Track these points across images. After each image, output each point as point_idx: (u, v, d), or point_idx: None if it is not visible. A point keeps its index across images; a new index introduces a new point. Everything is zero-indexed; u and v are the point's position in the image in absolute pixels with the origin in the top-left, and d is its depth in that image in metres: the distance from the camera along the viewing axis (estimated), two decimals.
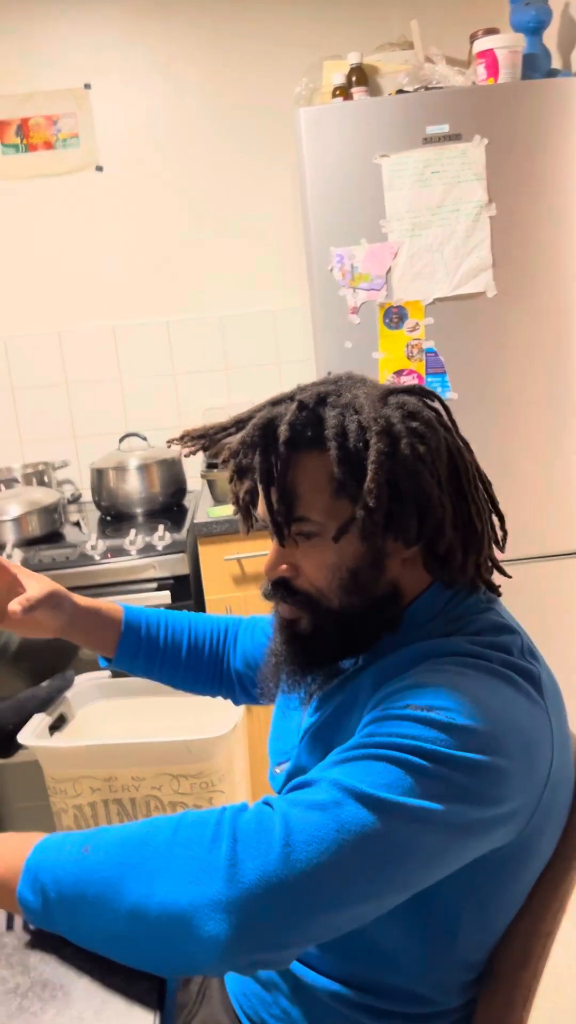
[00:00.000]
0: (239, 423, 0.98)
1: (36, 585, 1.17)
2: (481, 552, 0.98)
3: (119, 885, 0.76)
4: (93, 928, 0.77)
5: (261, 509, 0.96)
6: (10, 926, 0.83)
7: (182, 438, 1.02)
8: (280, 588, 0.97)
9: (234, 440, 0.95)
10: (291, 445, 0.90)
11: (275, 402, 0.95)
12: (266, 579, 0.98)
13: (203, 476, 2.63)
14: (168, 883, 0.75)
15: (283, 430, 0.90)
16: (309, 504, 0.91)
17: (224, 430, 1.00)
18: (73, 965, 0.77)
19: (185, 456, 1.04)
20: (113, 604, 1.27)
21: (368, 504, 0.87)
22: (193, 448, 1.01)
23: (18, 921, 0.84)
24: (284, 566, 0.96)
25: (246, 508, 0.99)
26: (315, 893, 0.74)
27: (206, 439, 1.01)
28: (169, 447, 1.06)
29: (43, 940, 0.80)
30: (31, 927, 0.83)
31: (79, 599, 1.23)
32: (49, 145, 2.73)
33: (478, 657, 0.88)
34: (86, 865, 0.78)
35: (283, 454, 0.90)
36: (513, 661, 0.89)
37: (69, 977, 0.76)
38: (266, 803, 0.81)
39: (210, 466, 2.47)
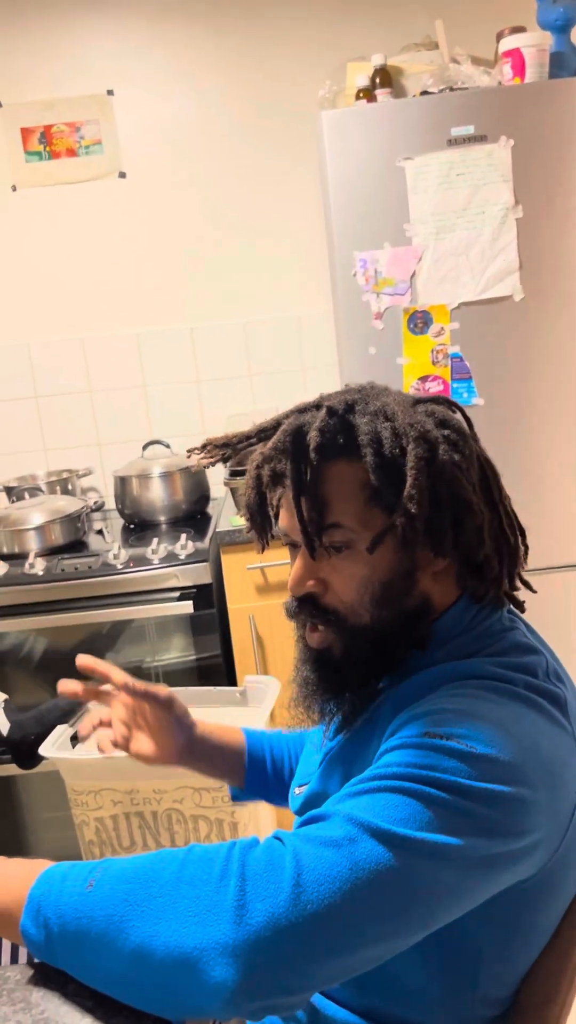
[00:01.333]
0: (262, 432, 0.96)
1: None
2: (516, 562, 0.95)
3: (122, 924, 0.73)
4: (96, 966, 0.74)
5: (285, 521, 0.94)
6: (15, 959, 0.81)
7: (204, 447, 1.00)
8: (307, 606, 0.93)
9: (266, 447, 0.92)
10: (322, 453, 0.88)
11: (301, 410, 0.93)
12: (291, 597, 0.95)
13: (226, 484, 2.61)
14: (173, 923, 0.72)
15: (313, 437, 0.88)
16: (341, 512, 0.89)
17: (247, 439, 0.98)
18: (76, 1004, 0.74)
19: (204, 467, 1.02)
20: (235, 730, 1.22)
21: (409, 510, 0.85)
22: (214, 459, 0.99)
23: (23, 953, 0.82)
24: (312, 581, 0.93)
25: (260, 525, 0.97)
26: (327, 936, 0.71)
27: (229, 448, 0.99)
28: (189, 457, 1.03)
29: (46, 975, 0.78)
30: (35, 960, 0.81)
31: (199, 721, 1.17)
32: (72, 152, 2.72)
33: (501, 680, 0.85)
34: (90, 900, 0.75)
35: (314, 461, 0.88)
36: (538, 684, 0.86)
37: (72, 1016, 0.73)
38: (277, 838, 0.77)
39: (234, 473, 2.45)
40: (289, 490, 0.90)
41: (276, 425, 0.94)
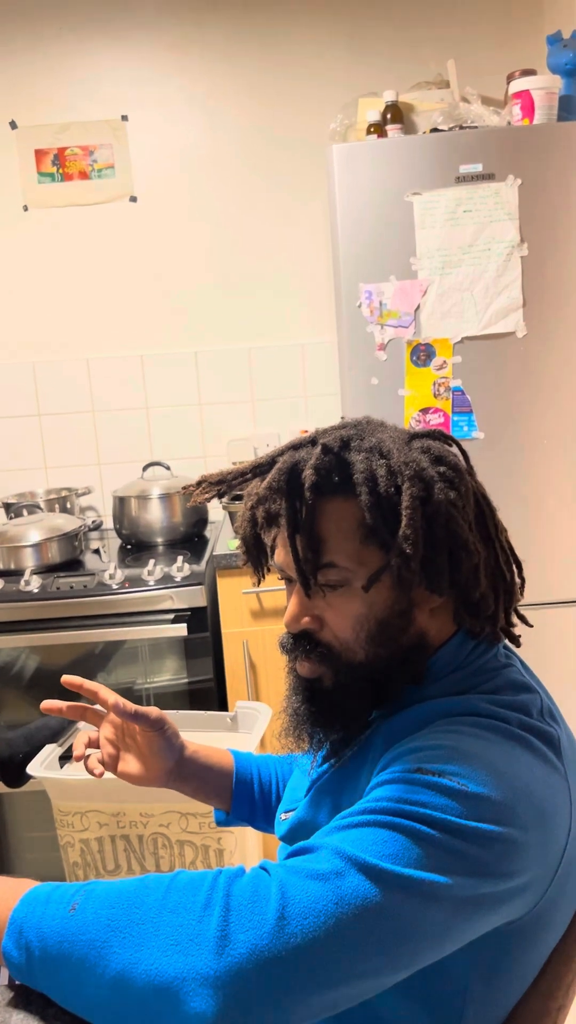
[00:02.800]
0: (257, 469, 0.95)
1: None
2: (512, 599, 0.95)
3: (104, 949, 0.73)
4: (76, 992, 0.74)
5: (281, 557, 0.93)
6: None
7: (199, 484, 0.99)
8: (302, 642, 0.93)
9: (260, 486, 0.92)
10: (317, 490, 0.88)
11: (295, 446, 0.93)
12: (286, 632, 0.94)
13: (225, 507, 2.62)
14: (155, 951, 0.71)
15: (308, 475, 0.87)
16: (336, 551, 0.88)
17: (242, 475, 0.97)
18: None
19: (199, 503, 1.01)
20: (224, 752, 1.21)
21: (405, 551, 0.84)
22: (209, 495, 0.99)
23: (3, 973, 0.81)
24: (307, 618, 0.92)
25: (256, 557, 0.97)
26: (309, 970, 0.70)
27: (224, 484, 0.98)
28: (185, 492, 1.03)
29: (27, 998, 0.77)
30: (15, 982, 0.80)
31: (188, 742, 1.16)
32: (85, 175, 2.75)
33: (495, 718, 0.85)
34: (72, 925, 0.75)
35: (309, 499, 0.87)
36: (532, 723, 0.86)
37: None
38: (264, 868, 0.77)
39: (233, 497, 2.46)
40: (284, 528, 0.90)
41: (271, 462, 0.94)
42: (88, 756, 1.10)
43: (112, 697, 1.07)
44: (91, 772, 1.08)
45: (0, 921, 0.78)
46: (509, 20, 2.72)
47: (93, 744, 1.12)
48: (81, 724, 1.89)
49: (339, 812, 0.89)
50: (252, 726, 1.82)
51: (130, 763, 1.11)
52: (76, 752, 1.10)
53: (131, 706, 1.06)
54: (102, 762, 1.10)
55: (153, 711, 1.08)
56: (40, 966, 0.75)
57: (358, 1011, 0.86)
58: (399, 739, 0.87)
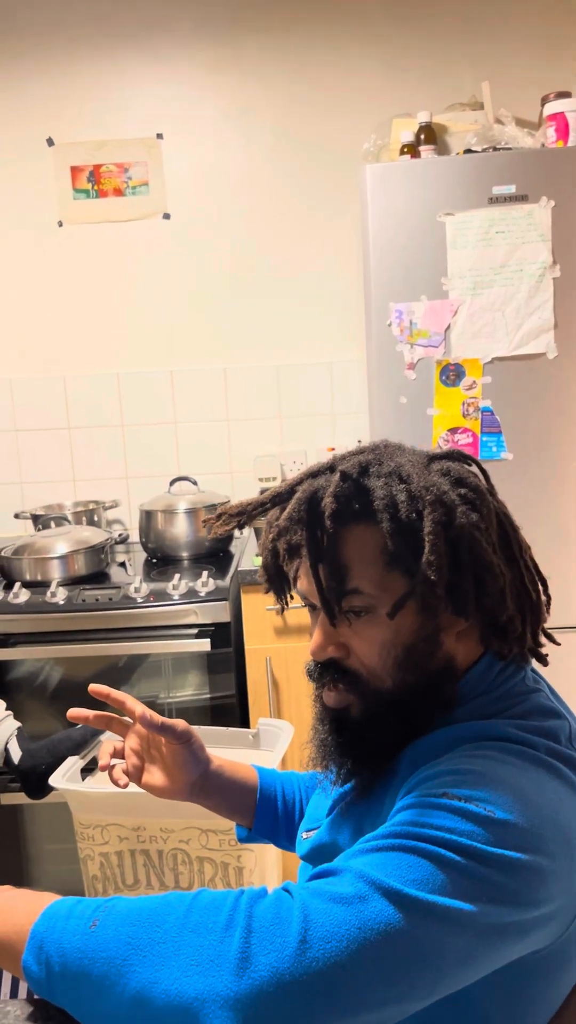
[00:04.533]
0: (277, 498, 0.94)
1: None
2: (539, 620, 0.94)
3: (124, 967, 0.72)
4: (95, 1009, 0.73)
5: (304, 585, 0.93)
6: (14, 994, 0.80)
7: (219, 517, 0.99)
8: (329, 670, 0.92)
9: (281, 518, 0.91)
10: (338, 519, 0.87)
11: (314, 474, 0.93)
12: (312, 661, 0.94)
13: (240, 529, 2.62)
14: (175, 971, 0.71)
15: (328, 503, 0.87)
16: (360, 578, 0.87)
17: (261, 506, 0.96)
18: None
19: (219, 535, 1.01)
20: (249, 768, 1.20)
21: (428, 577, 0.84)
22: (229, 527, 0.98)
23: (23, 987, 0.81)
24: (333, 647, 0.91)
25: (278, 585, 0.96)
26: (330, 995, 0.69)
27: (244, 516, 0.98)
28: (204, 525, 1.03)
29: (47, 1013, 0.77)
30: (36, 996, 0.80)
31: (213, 756, 1.16)
32: (119, 192, 2.78)
33: (523, 744, 0.84)
34: (92, 942, 0.74)
35: (330, 528, 0.87)
36: (559, 750, 0.85)
37: None
38: (286, 890, 0.76)
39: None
40: (307, 558, 0.89)
41: (290, 491, 0.93)
42: (113, 766, 1.09)
43: (139, 708, 1.07)
44: (115, 782, 1.08)
45: (21, 935, 0.78)
46: (544, 42, 2.73)
47: (118, 754, 1.12)
48: (106, 734, 1.90)
49: (361, 834, 0.88)
50: (274, 744, 1.81)
51: (155, 775, 1.10)
52: (101, 762, 1.10)
53: (158, 718, 1.06)
54: (127, 772, 1.10)
55: (180, 723, 1.08)
56: (60, 981, 0.74)
57: None
58: (424, 762, 0.86)
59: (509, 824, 0.75)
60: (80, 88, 2.76)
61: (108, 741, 1.13)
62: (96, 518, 2.78)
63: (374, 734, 0.91)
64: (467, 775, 0.79)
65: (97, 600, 2.29)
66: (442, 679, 0.90)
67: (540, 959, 0.81)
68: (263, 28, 2.73)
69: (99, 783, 1.83)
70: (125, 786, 1.08)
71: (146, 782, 1.10)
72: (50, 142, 2.78)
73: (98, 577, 2.47)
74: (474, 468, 0.95)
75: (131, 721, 1.11)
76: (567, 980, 0.87)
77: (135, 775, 1.10)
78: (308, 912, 0.72)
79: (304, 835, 1.04)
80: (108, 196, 2.79)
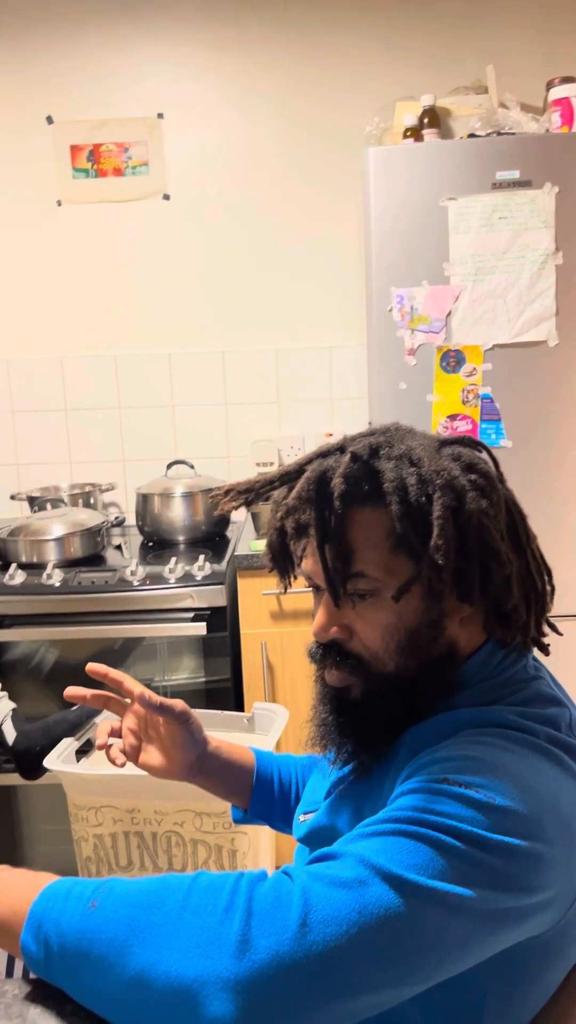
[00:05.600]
0: (285, 477, 0.94)
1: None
2: (544, 608, 0.94)
3: (123, 949, 0.72)
4: (94, 989, 0.73)
5: (309, 566, 0.92)
6: (10, 972, 0.79)
7: (227, 492, 0.99)
8: (331, 652, 0.92)
9: (290, 497, 0.91)
10: (346, 499, 0.87)
11: (324, 454, 0.92)
12: (314, 641, 0.93)
13: (248, 508, 2.61)
14: (175, 952, 0.71)
15: (338, 483, 0.86)
16: (366, 560, 0.87)
17: (270, 484, 0.96)
18: None
19: (227, 512, 1.01)
20: (246, 749, 1.20)
21: (436, 562, 0.83)
22: (237, 503, 0.98)
23: (19, 966, 0.81)
24: (336, 628, 0.91)
25: (283, 565, 0.96)
26: (329, 978, 0.69)
27: (252, 493, 0.97)
28: (211, 500, 1.03)
29: (44, 992, 0.77)
30: (32, 976, 0.80)
31: (211, 737, 1.15)
32: (119, 172, 2.76)
33: (523, 731, 0.84)
34: (91, 922, 0.74)
35: (338, 509, 0.86)
36: (560, 737, 0.85)
37: None
38: (286, 873, 0.76)
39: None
40: (313, 538, 0.89)
41: (299, 470, 0.93)
42: (110, 746, 1.09)
43: (137, 688, 1.07)
44: (112, 761, 1.08)
45: (19, 915, 0.78)
46: (549, 27, 2.70)
47: (115, 734, 1.12)
48: (103, 715, 1.90)
49: (360, 818, 0.89)
50: (268, 728, 1.81)
51: (152, 755, 1.10)
52: (98, 741, 1.09)
53: (156, 698, 1.06)
54: (123, 752, 1.10)
55: (178, 704, 1.08)
56: (58, 962, 0.74)
57: (374, 1021, 0.85)
58: (425, 747, 0.86)
59: (509, 810, 0.75)
60: (81, 66, 2.73)
61: (106, 721, 1.13)
62: (92, 501, 2.77)
63: (374, 716, 0.91)
64: (468, 761, 0.79)
65: (93, 583, 2.28)
66: (444, 664, 0.90)
67: (538, 945, 0.81)
68: (266, 7, 2.70)
69: (94, 765, 1.83)
70: (122, 765, 1.08)
71: (143, 762, 1.10)
72: (50, 120, 2.75)
73: (94, 560, 2.46)
74: (484, 455, 0.95)
75: (129, 701, 1.11)
76: (563, 965, 0.87)
77: (132, 755, 1.10)
78: (308, 896, 0.72)
79: (301, 818, 1.05)
80: (108, 176, 2.76)
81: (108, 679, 1.09)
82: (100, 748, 1.09)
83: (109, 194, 2.78)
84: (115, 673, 1.09)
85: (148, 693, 1.06)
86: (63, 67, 2.73)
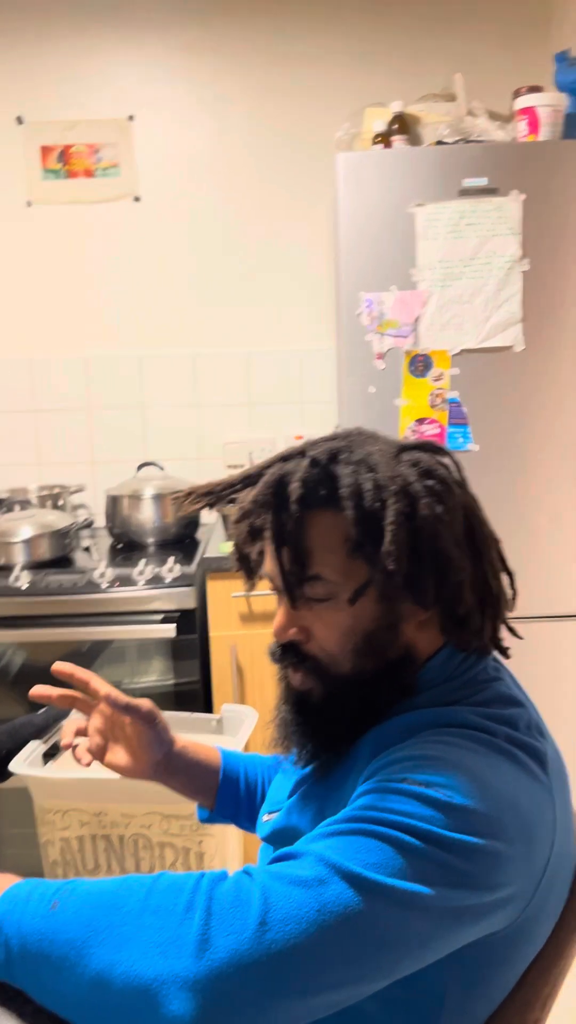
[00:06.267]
0: (247, 479, 0.95)
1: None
2: (499, 614, 0.95)
3: (84, 949, 0.73)
4: (55, 990, 0.73)
5: (270, 567, 0.93)
6: None
7: (188, 495, 0.99)
8: (290, 652, 0.93)
9: (246, 500, 0.92)
10: (304, 504, 0.88)
11: (285, 457, 0.93)
12: (275, 642, 0.94)
13: (219, 510, 2.61)
14: (135, 953, 0.71)
15: (295, 488, 0.87)
16: (323, 564, 0.88)
17: (231, 487, 0.97)
18: None
19: (189, 513, 1.01)
20: (212, 749, 1.20)
21: (387, 567, 0.85)
22: (199, 506, 0.99)
23: None
24: (294, 629, 0.92)
25: (247, 566, 0.97)
26: (289, 976, 0.70)
27: (213, 496, 0.98)
28: (173, 501, 1.03)
29: (5, 994, 0.77)
30: None
31: (177, 736, 1.15)
32: (89, 173, 2.75)
33: (483, 730, 0.85)
34: (53, 923, 0.74)
35: (296, 513, 0.88)
36: (519, 737, 0.86)
37: None
38: (247, 873, 0.77)
39: (228, 500, 2.46)
40: (270, 541, 0.90)
41: (260, 473, 0.94)
42: (76, 745, 1.09)
43: (104, 688, 1.07)
44: (79, 760, 1.07)
45: None
46: (517, 36, 2.74)
47: (82, 733, 1.11)
48: (70, 717, 1.89)
49: (322, 818, 0.89)
50: (237, 729, 1.82)
51: (118, 754, 1.10)
52: (64, 740, 1.09)
53: (123, 697, 1.06)
54: (90, 751, 1.09)
55: (145, 703, 1.08)
56: (19, 963, 0.75)
57: (334, 1019, 0.86)
58: (386, 748, 0.87)
59: (468, 809, 0.76)
60: (52, 67, 2.72)
61: (71, 720, 1.13)
62: (61, 502, 2.76)
63: (334, 717, 0.92)
64: (427, 760, 0.80)
65: (61, 585, 2.27)
66: (401, 667, 0.91)
67: (496, 941, 0.83)
68: (238, 11, 2.71)
69: (61, 768, 1.82)
70: (88, 764, 1.08)
71: (109, 761, 1.10)
72: (20, 121, 2.74)
73: (62, 562, 2.45)
74: (446, 460, 0.96)
75: (95, 701, 1.11)
76: (522, 961, 0.89)
77: (98, 754, 1.10)
78: (268, 894, 0.73)
79: (265, 817, 1.05)
80: (78, 177, 2.76)
81: (75, 679, 1.08)
82: (66, 747, 1.08)
83: (79, 195, 2.77)
84: (81, 672, 1.08)
85: (115, 693, 1.06)
86: (34, 68, 2.72)
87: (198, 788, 1.18)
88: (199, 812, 1.22)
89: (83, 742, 1.10)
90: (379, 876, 0.73)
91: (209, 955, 0.70)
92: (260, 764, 1.23)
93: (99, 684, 1.08)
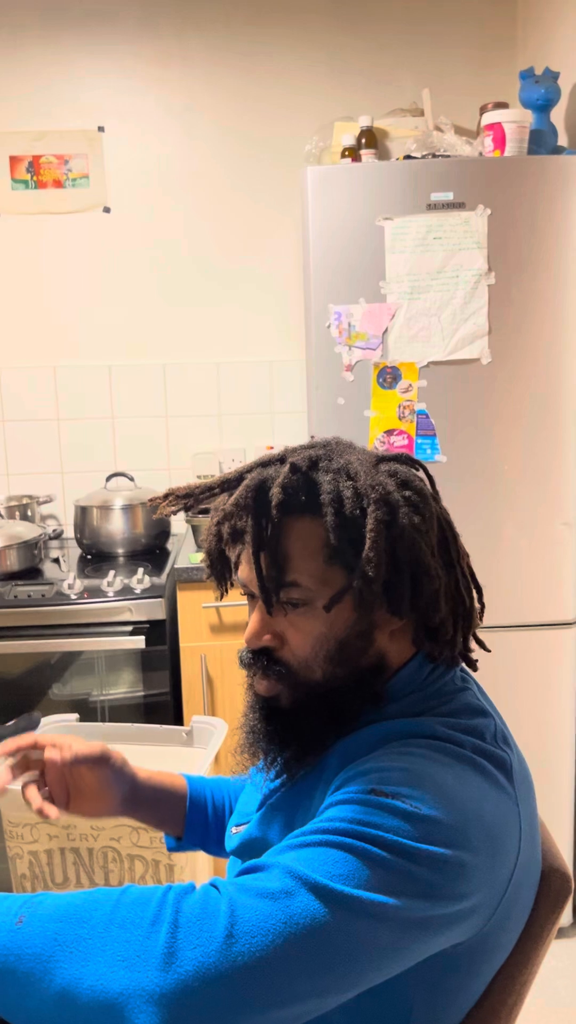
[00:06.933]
0: (225, 484, 0.95)
1: (85, 744, 1.07)
2: (471, 624, 0.96)
3: (49, 964, 0.72)
4: (21, 1006, 0.73)
5: (245, 573, 0.94)
6: None
7: (166, 497, 0.99)
8: (261, 658, 0.93)
9: (227, 503, 0.92)
10: (283, 509, 0.88)
11: (264, 463, 0.94)
12: (245, 648, 0.94)
13: (188, 520, 2.62)
14: (101, 967, 0.71)
15: (276, 493, 0.88)
16: (300, 570, 0.89)
17: (209, 490, 0.97)
18: None
19: (165, 516, 1.01)
20: (176, 776, 1.18)
21: (367, 573, 0.85)
22: (176, 508, 0.99)
23: None
24: (268, 635, 0.93)
25: (220, 572, 0.97)
26: (255, 989, 0.70)
27: (191, 498, 0.98)
28: (150, 504, 1.03)
29: None
30: None
31: (139, 768, 1.13)
32: (59, 184, 2.75)
33: (450, 741, 0.86)
34: (18, 938, 0.74)
35: (276, 517, 0.88)
36: (485, 747, 0.87)
37: None
38: (214, 885, 0.77)
39: (198, 511, 2.45)
40: (249, 545, 0.90)
41: (239, 478, 0.94)
42: (42, 805, 1.03)
43: (51, 752, 1.03)
44: (46, 816, 1.02)
45: None
46: (484, 54, 2.78)
47: (41, 785, 1.07)
48: (40, 729, 1.87)
49: (291, 829, 0.90)
50: (207, 741, 1.82)
51: (83, 799, 1.08)
52: (34, 805, 1.03)
53: (68, 754, 1.03)
54: (51, 801, 1.06)
55: (95, 748, 1.05)
56: None
57: None
58: (354, 759, 0.87)
59: (434, 820, 0.77)
60: (21, 78, 2.72)
61: (28, 784, 1.07)
62: (30, 513, 2.74)
63: (302, 724, 0.92)
64: (395, 772, 0.81)
65: (30, 596, 2.26)
66: (372, 676, 0.92)
67: (462, 951, 0.83)
68: (209, 25, 2.73)
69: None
70: (57, 817, 1.05)
71: (75, 809, 1.08)
72: None
73: (31, 573, 2.44)
74: (421, 473, 0.97)
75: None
76: (487, 971, 0.89)
77: (62, 803, 1.07)
78: (235, 907, 0.73)
79: (233, 830, 1.05)
80: (47, 187, 2.75)
81: (21, 750, 1.05)
82: (37, 811, 1.04)
83: (49, 206, 2.76)
84: (27, 742, 1.05)
85: (58, 756, 1.03)
86: (3, 78, 2.71)
87: (166, 817, 1.16)
88: (167, 841, 1.20)
89: (45, 794, 1.06)
90: (346, 888, 0.73)
91: (175, 969, 0.70)
92: (227, 786, 1.23)
93: (48, 751, 1.04)
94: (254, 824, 0.99)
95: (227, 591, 1.00)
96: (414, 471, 0.96)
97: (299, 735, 0.92)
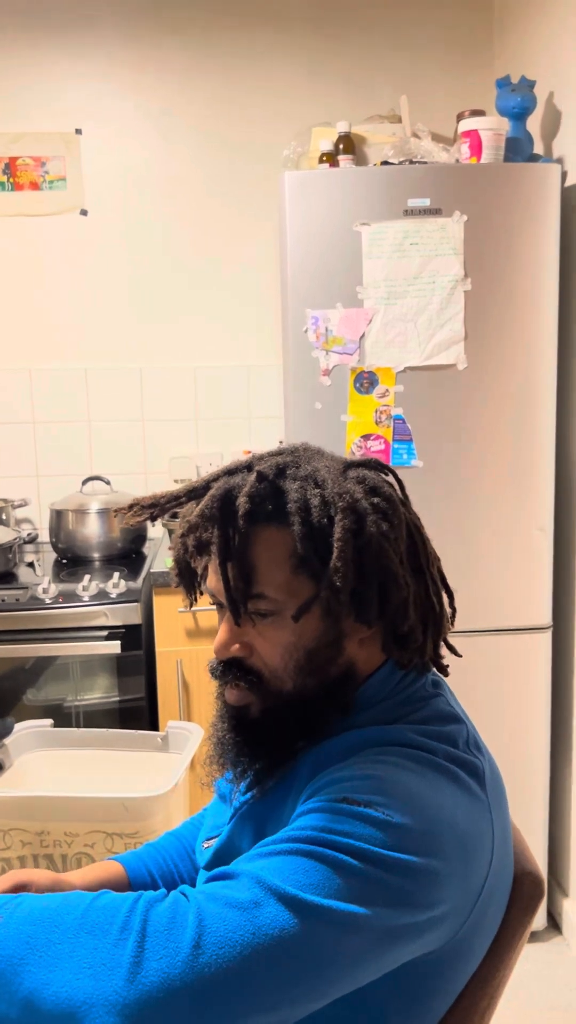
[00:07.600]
0: (192, 492, 0.94)
1: None
2: (441, 631, 0.96)
3: (20, 967, 0.71)
4: None
5: (213, 583, 0.93)
6: None
7: (131, 507, 0.98)
8: (232, 668, 0.92)
9: (191, 513, 0.91)
10: (250, 518, 0.87)
11: (231, 471, 0.93)
12: (215, 659, 0.94)
13: (164, 524, 2.61)
14: (67, 973, 0.70)
15: (242, 502, 0.87)
16: (268, 580, 0.88)
17: (176, 499, 0.96)
18: None
19: (131, 526, 0.99)
20: (109, 865, 1.12)
21: (334, 583, 0.84)
22: (141, 518, 0.98)
23: None
24: (237, 646, 0.92)
25: (188, 581, 0.96)
26: (221, 1001, 0.69)
27: (157, 508, 0.97)
28: (115, 514, 1.02)
29: None
30: None
31: (70, 876, 1.07)
32: (35, 186, 2.74)
33: (423, 749, 0.86)
34: None
35: (242, 527, 0.87)
36: (458, 755, 0.87)
37: None
38: (183, 893, 0.76)
39: (173, 515, 2.45)
40: (216, 556, 0.89)
41: (206, 486, 0.93)
42: None
43: None
44: None
45: None
46: (460, 62, 2.80)
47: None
48: (13, 735, 1.86)
49: (262, 838, 0.89)
50: (183, 746, 1.81)
51: None
52: None
53: None
54: None
55: (8, 881, 1.01)
56: None
57: None
58: (325, 767, 0.87)
59: (406, 828, 0.77)
60: None
61: None
62: (4, 517, 2.72)
63: (271, 733, 0.91)
64: (367, 780, 0.80)
65: (4, 601, 2.24)
66: (342, 684, 0.91)
67: (435, 958, 0.83)
68: (187, 30, 2.73)
69: (1, 787, 1.79)
70: None
71: None
72: None
73: (5, 577, 2.42)
74: (390, 478, 0.96)
75: None
76: (461, 978, 0.89)
77: None
78: (203, 917, 0.72)
79: (205, 844, 1.04)
80: (24, 189, 2.74)
81: None
82: None
83: (26, 208, 2.75)
84: None
85: None
86: None
87: None
88: None
89: None
90: (315, 897, 0.73)
91: (140, 979, 0.69)
92: (171, 842, 1.18)
93: None
94: (226, 835, 0.98)
95: (196, 600, 0.99)
96: (383, 476, 0.95)
97: (269, 746, 0.92)
